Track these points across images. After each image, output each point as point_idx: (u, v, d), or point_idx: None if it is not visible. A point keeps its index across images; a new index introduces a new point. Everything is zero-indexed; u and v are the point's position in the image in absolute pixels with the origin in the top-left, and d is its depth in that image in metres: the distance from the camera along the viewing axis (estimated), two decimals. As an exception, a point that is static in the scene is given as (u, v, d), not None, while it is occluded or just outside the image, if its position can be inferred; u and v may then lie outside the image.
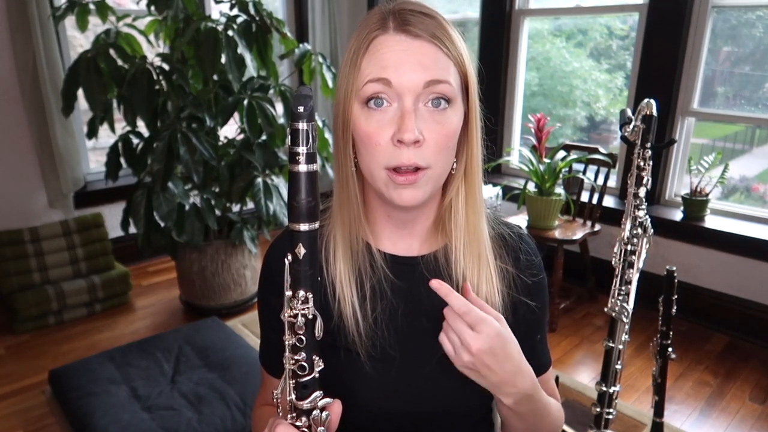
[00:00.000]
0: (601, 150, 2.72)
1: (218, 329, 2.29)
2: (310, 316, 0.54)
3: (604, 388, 1.12)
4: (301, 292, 0.54)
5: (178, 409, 1.81)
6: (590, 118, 3.28)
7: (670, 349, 1.43)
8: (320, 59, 2.61)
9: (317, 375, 0.57)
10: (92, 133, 2.39)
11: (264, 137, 2.45)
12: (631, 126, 1.06)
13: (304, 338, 0.55)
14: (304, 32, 3.81)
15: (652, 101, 1.05)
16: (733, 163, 2.74)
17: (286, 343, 0.55)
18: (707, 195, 2.62)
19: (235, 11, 2.42)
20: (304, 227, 0.52)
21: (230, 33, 2.28)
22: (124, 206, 2.44)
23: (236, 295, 2.74)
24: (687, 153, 2.74)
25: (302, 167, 0.50)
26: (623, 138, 1.09)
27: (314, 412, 0.57)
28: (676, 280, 1.40)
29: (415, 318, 0.75)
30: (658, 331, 1.43)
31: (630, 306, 1.06)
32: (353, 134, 0.67)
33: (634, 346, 2.47)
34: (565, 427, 1.89)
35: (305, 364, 0.55)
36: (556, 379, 1.99)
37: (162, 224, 2.30)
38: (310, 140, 0.50)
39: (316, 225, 0.52)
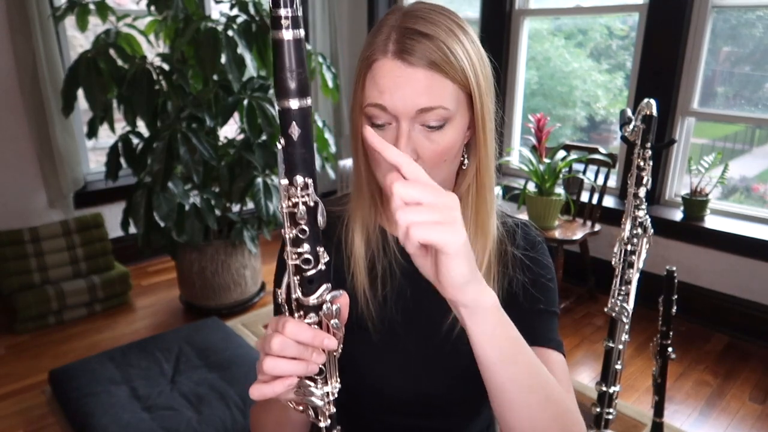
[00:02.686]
0: (601, 150, 2.72)
1: (218, 329, 2.29)
2: (312, 204, 0.49)
3: (604, 388, 1.12)
4: (299, 178, 0.49)
5: (178, 409, 1.81)
6: (590, 118, 3.28)
7: (670, 349, 1.43)
8: (320, 59, 2.61)
9: (323, 267, 0.52)
10: (92, 133, 2.39)
11: (264, 137, 2.45)
12: (631, 126, 1.06)
13: (306, 228, 0.50)
14: (305, 32, 3.80)
15: (652, 101, 1.05)
16: (733, 163, 2.74)
17: (287, 236, 0.51)
18: (707, 195, 2.62)
19: (235, 11, 2.42)
20: (294, 104, 0.47)
21: (230, 33, 2.28)
22: (124, 206, 2.44)
23: (236, 295, 2.74)
24: (687, 153, 2.74)
25: (287, 34, 0.45)
26: (623, 138, 1.09)
27: (324, 306, 0.53)
28: (676, 280, 1.40)
29: (421, 299, 0.80)
30: (658, 331, 1.43)
31: (630, 306, 1.06)
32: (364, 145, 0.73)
33: (634, 346, 2.47)
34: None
35: (310, 257, 0.51)
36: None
37: (162, 224, 2.30)
38: (295, 1, 0.44)
39: (308, 101, 0.48)
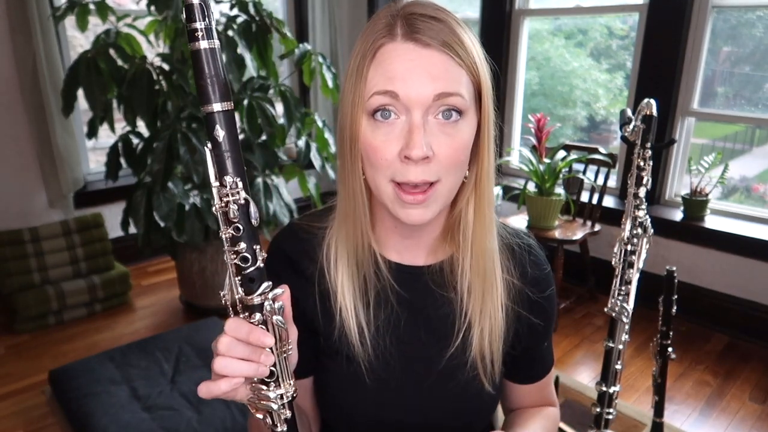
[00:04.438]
0: (601, 150, 2.72)
1: (218, 329, 2.28)
2: (242, 201, 0.51)
3: (604, 388, 1.12)
4: (229, 179, 0.51)
5: (178, 409, 1.81)
6: (590, 118, 3.28)
7: (670, 349, 1.43)
8: (320, 59, 2.60)
9: (262, 265, 0.53)
10: (92, 133, 2.39)
11: (264, 137, 2.45)
12: (631, 126, 1.06)
13: (240, 226, 0.52)
14: (304, 32, 3.81)
15: (652, 101, 1.05)
16: (733, 163, 2.74)
17: (223, 236, 0.52)
18: (707, 195, 2.62)
19: (235, 11, 2.42)
20: (218, 107, 0.49)
21: (230, 33, 2.27)
22: (124, 206, 2.44)
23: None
24: (687, 153, 2.74)
25: (203, 44, 0.48)
26: (623, 138, 1.09)
27: (266, 305, 0.54)
28: (676, 280, 1.40)
29: (416, 329, 0.74)
30: (658, 331, 1.43)
31: (630, 306, 1.06)
32: (361, 149, 0.64)
33: (634, 346, 2.47)
34: (565, 427, 1.89)
35: (247, 255, 0.52)
36: (556, 380, 1.99)
37: (162, 224, 2.30)
38: (207, 15, 0.48)
39: (231, 105, 0.50)
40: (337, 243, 0.71)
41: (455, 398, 0.74)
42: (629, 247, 1.06)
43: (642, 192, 1.05)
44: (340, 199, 0.69)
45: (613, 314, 1.07)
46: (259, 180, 2.43)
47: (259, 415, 0.60)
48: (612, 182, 2.93)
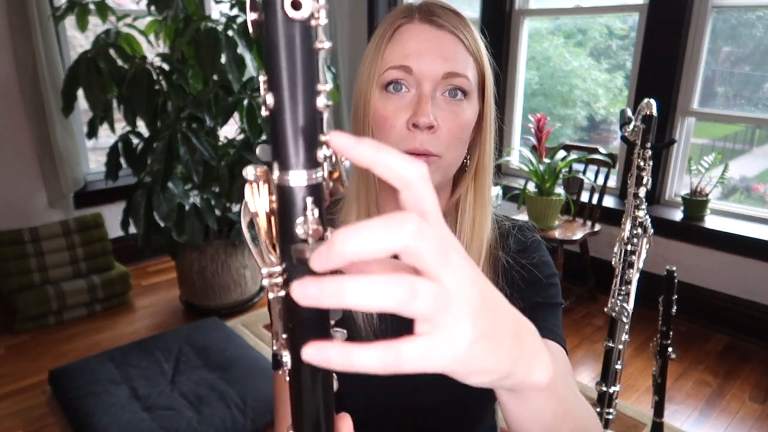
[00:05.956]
0: (601, 150, 2.72)
1: (218, 329, 2.29)
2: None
3: (604, 388, 1.12)
4: None
5: (178, 409, 1.81)
6: (590, 118, 3.28)
7: (670, 349, 1.43)
8: (320, 59, 2.60)
9: None
10: (92, 133, 2.39)
11: (264, 137, 2.45)
12: (631, 126, 1.06)
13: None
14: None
15: (652, 101, 1.05)
16: (733, 163, 2.74)
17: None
18: (707, 195, 2.62)
19: (235, 11, 2.42)
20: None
21: (230, 33, 2.28)
22: (124, 206, 2.44)
23: (236, 295, 2.74)
24: (687, 153, 2.74)
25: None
26: (623, 138, 1.09)
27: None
28: (676, 280, 1.40)
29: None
30: (658, 331, 1.43)
31: (630, 306, 1.06)
32: (371, 119, 0.69)
33: (634, 346, 2.47)
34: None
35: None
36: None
37: (162, 224, 2.30)
38: None
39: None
40: (346, 223, 0.74)
41: (445, 384, 0.75)
42: (629, 247, 1.06)
43: (642, 192, 1.05)
44: (353, 177, 0.73)
45: (613, 314, 1.07)
46: (259, 180, 2.43)
47: None
48: (612, 182, 2.93)
